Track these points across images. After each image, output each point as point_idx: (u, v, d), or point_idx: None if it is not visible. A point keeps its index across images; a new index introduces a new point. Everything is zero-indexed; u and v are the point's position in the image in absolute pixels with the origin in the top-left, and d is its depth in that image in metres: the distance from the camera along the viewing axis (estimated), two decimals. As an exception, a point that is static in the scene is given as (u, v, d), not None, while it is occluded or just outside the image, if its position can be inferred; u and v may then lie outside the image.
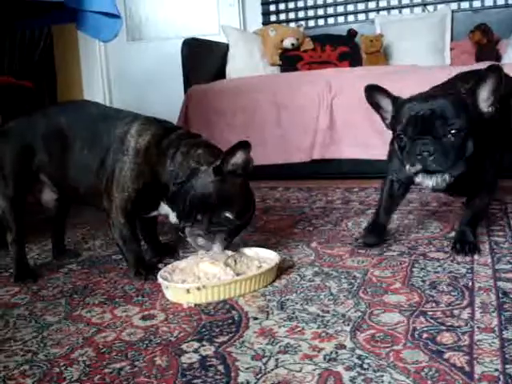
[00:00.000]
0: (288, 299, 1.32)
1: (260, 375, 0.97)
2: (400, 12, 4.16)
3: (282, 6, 4.46)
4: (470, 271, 1.44)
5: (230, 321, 1.22)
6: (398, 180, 1.68)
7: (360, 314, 1.21)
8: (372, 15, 4.18)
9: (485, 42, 3.58)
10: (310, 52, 3.96)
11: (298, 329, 1.15)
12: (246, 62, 4.02)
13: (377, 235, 1.74)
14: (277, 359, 1.02)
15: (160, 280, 1.40)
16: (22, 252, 1.66)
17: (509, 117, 1.66)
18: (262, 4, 4.49)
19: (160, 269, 1.48)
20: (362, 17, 4.25)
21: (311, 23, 4.38)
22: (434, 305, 1.24)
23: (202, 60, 3.84)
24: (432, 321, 1.15)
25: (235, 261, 1.45)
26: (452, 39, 3.86)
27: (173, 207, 1.53)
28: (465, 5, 3.95)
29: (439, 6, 4.00)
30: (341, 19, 4.30)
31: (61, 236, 1.85)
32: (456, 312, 1.19)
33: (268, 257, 1.53)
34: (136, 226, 1.62)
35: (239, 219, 1.46)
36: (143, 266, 1.56)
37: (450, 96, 1.45)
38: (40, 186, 1.70)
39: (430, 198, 2.41)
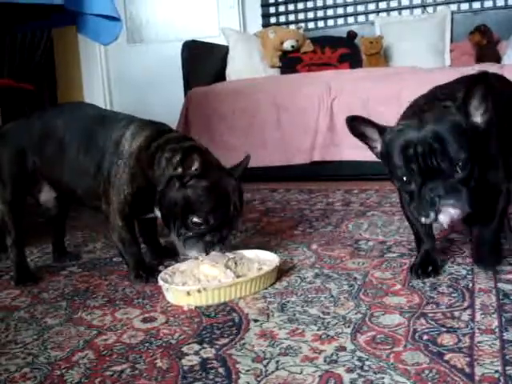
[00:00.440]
0: (288, 301, 1.33)
1: (261, 377, 0.97)
2: (400, 13, 4.16)
3: (281, 8, 4.47)
4: (470, 273, 1.44)
5: (230, 323, 1.22)
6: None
7: (360, 315, 1.21)
8: (372, 17, 4.19)
9: (485, 43, 3.59)
10: (309, 54, 3.96)
11: (299, 331, 1.15)
12: (245, 64, 4.02)
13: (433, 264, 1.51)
14: (277, 361, 1.02)
15: (160, 282, 1.40)
16: (21, 255, 1.66)
17: None
18: (262, 6, 4.50)
19: (160, 271, 1.49)
20: (361, 18, 4.25)
21: (311, 25, 4.38)
22: (434, 306, 1.23)
23: (202, 62, 3.85)
24: (432, 322, 1.15)
25: (235, 263, 1.45)
26: (452, 40, 3.86)
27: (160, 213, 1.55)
28: (464, 6, 3.95)
29: (439, 8, 4.00)
30: (340, 21, 4.31)
31: (61, 238, 1.85)
32: (456, 313, 1.18)
33: (268, 259, 1.53)
34: (135, 228, 1.62)
35: (211, 222, 1.45)
36: (143, 269, 1.57)
37: (443, 121, 1.29)
38: (39, 186, 1.70)
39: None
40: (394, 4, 4.17)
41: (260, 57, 4.07)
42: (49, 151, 1.63)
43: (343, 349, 1.05)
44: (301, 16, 4.42)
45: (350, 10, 4.28)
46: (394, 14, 4.17)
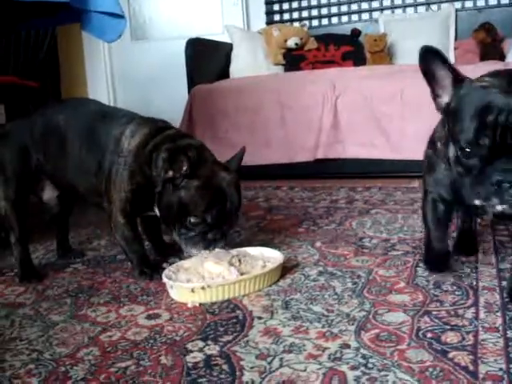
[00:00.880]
0: (292, 299, 1.33)
1: (265, 374, 0.97)
2: (404, 11, 4.16)
3: (285, 6, 4.46)
4: (474, 271, 1.44)
5: (234, 320, 1.22)
6: (443, 200, 1.32)
7: (364, 313, 1.21)
8: (376, 14, 4.18)
9: (489, 41, 3.58)
10: (313, 51, 3.96)
11: (303, 328, 1.15)
12: (249, 62, 4.02)
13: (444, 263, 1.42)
14: (281, 358, 1.02)
15: (165, 279, 1.40)
16: (25, 252, 1.67)
17: None
18: (266, 3, 4.50)
19: (164, 268, 1.49)
20: (365, 16, 4.25)
21: (315, 23, 4.38)
22: (438, 304, 1.24)
23: (206, 60, 3.84)
24: (436, 320, 1.15)
25: (239, 260, 1.45)
26: (456, 38, 3.86)
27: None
28: (469, 4, 3.95)
29: (443, 5, 3.99)
30: (344, 18, 4.30)
31: (65, 235, 1.86)
32: (460, 311, 1.19)
33: (272, 256, 1.53)
34: (137, 225, 1.63)
35: (209, 220, 1.46)
36: (148, 266, 1.57)
37: None
38: (41, 184, 1.71)
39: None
40: (398, 2, 4.17)
41: (264, 54, 4.07)
42: (51, 149, 1.64)
43: (347, 346, 1.06)
44: (305, 13, 4.42)
45: (354, 7, 4.27)
46: (398, 11, 4.17)
